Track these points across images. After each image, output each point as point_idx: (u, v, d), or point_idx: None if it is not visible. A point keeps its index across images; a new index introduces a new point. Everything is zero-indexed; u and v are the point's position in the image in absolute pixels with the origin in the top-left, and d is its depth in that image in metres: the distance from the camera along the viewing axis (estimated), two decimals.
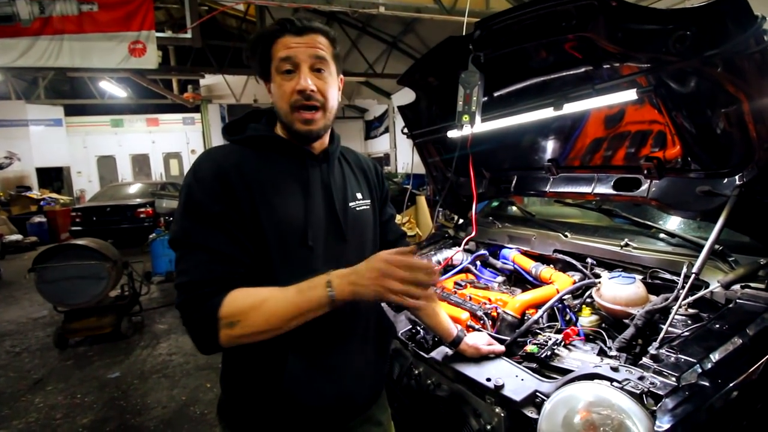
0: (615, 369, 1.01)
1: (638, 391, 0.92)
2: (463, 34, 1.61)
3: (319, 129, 0.93)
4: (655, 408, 0.89)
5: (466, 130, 1.65)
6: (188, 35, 5.98)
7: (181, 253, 0.85)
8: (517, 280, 1.95)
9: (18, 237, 8.82)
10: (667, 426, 0.84)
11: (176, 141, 14.48)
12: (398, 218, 5.17)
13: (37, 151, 12.44)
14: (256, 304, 0.81)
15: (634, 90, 1.25)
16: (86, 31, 5.59)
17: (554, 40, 1.35)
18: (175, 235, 0.86)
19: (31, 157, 12.32)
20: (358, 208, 1.03)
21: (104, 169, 14.32)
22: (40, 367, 3.53)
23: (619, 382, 0.96)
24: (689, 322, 1.24)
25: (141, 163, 14.59)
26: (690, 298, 1.26)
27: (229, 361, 0.98)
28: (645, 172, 1.49)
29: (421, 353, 1.39)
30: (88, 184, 13.90)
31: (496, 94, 1.82)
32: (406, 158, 12.57)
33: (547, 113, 1.57)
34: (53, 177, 13.22)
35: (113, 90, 12.31)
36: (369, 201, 1.07)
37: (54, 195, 11.50)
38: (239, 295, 0.82)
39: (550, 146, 1.94)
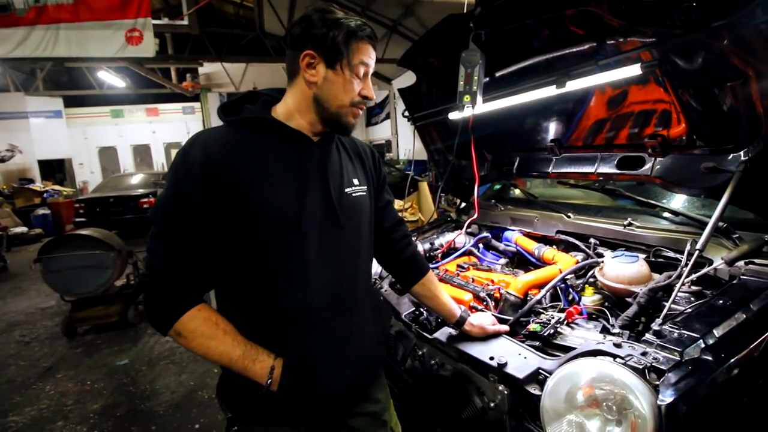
0: (618, 345, 1.02)
1: (641, 366, 0.92)
2: (469, 10, 1.57)
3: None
4: (657, 382, 0.89)
5: (468, 111, 1.63)
6: (185, 22, 5.93)
7: (158, 231, 0.88)
8: (520, 261, 1.96)
9: (23, 229, 8.87)
10: (669, 399, 0.85)
11: (177, 130, 14.39)
12: (400, 204, 5.17)
13: (38, 144, 12.41)
14: (206, 335, 0.89)
15: (638, 65, 1.23)
16: (82, 19, 5.54)
17: (557, 15, 1.32)
18: (157, 212, 0.88)
19: (32, 149, 12.31)
20: (354, 194, 1.02)
21: (106, 160, 14.32)
22: (50, 356, 3.59)
23: (621, 358, 0.96)
24: (692, 299, 1.25)
25: (142, 153, 14.56)
26: (693, 276, 1.26)
27: None
28: (649, 150, 1.47)
29: (425, 334, 1.40)
30: (90, 175, 13.91)
31: (498, 74, 1.79)
32: (407, 144, 12.47)
33: (549, 92, 1.55)
34: (55, 169, 13.23)
35: (112, 80, 12.21)
36: (365, 187, 1.06)
37: (57, 187, 11.52)
38: (200, 317, 0.89)
39: (552, 127, 1.92)
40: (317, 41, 0.90)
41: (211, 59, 10.02)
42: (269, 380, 0.90)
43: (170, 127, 14.50)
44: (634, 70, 1.24)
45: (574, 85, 1.42)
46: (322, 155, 0.99)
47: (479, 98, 1.56)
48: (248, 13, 10.13)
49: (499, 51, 1.63)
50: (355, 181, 1.04)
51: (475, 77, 1.50)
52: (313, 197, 0.94)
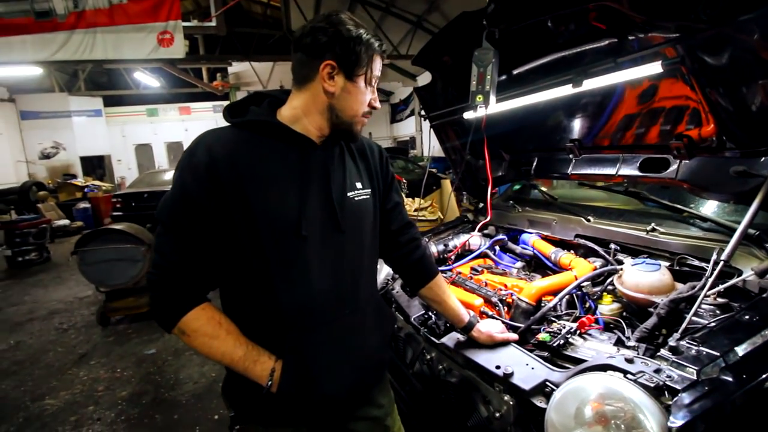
0: (630, 360, 0.96)
1: (653, 385, 0.87)
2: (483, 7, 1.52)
3: None
4: (670, 403, 0.84)
5: (481, 111, 1.59)
6: (213, 23, 6.08)
7: (164, 230, 0.90)
8: (537, 266, 1.90)
9: (65, 222, 9.41)
10: (681, 422, 0.79)
11: (207, 128, 14.52)
12: (420, 202, 5.13)
13: (80, 141, 13.13)
14: (209, 334, 0.90)
15: (660, 63, 1.15)
16: (117, 23, 5.79)
17: (574, 10, 1.26)
18: (163, 212, 0.90)
19: (74, 146, 13.03)
20: (356, 198, 1.01)
21: (142, 157, 14.98)
22: (85, 343, 3.80)
23: (632, 375, 0.91)
24: (718, 312, 1.16)
25: (175, 150, 15.14)
26: (719, 287, 1.17)
27: None
28: (674, 152, 1.38)
29: (433, 339, 1.38)
30: (128, 171, 14.60)
31: (515, 72, 1.74)
32: (432, 141, 12.33)
33: (568, 90, 1.48)
34: (95, 165, 13.97)
35: (147, 80, 12.75)
36: (369, 190, 1.06)
37: (97, 182, 12.16)
38: (204, 317, 0.90)
39: (575, 125, 1.84)
40: (341, 53, 0.91)
41: (240, 59, 10.24)
42: (269, 382, 0.91)
43: (202, 125, 14.98)
44: (656, 68, 1.17)
45: (591, 84, 1.35)
46: (325, 159, 0.98)
47: (492, 98, 1.51)
48: (275, 13, 10.29)
49: (515, 48, 1.58)
50: (358, 185, 1.03)
51: (488, 76, 1.46)
52: (313, 201, 0.94)
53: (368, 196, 1.04)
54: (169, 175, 9.73)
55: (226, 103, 13.91)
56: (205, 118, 15.00)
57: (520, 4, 1.32)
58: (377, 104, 1.01)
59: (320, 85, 0.93)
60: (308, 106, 0.95)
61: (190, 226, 0.88)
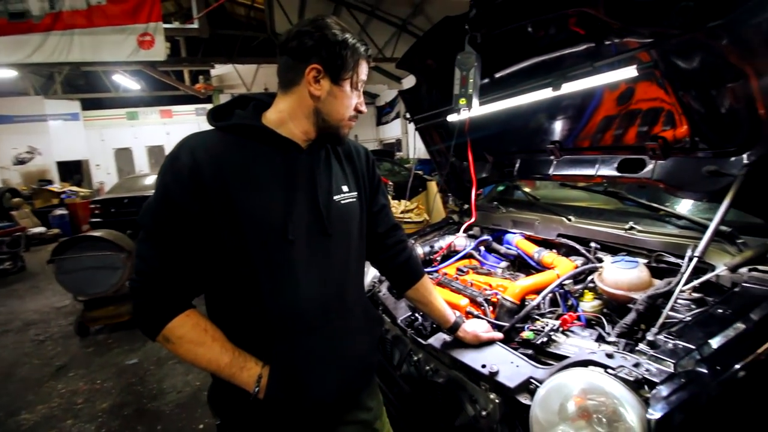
0: (610, 356, 0.99)
1: (632, 378, 0.89)
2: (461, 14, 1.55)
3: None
4: (648, 395, 0.87)
5: (464, 114, 1.61)
6: (195, 25, 6.01)
7: (146, 236, 0.89)
8: (521, 265, 1.93)
9: (41, 229, 9.12)
10: (660, 414, 0.82)
11: (190, 131, 14.08)
12: (406, 204, 5.16)
13: (56, 145, 12.75)
14: (194, 341, 0.89)
15: (635, 66, 1.19)
16: (96, 24, 5.67)
17: (553, 16, 1.29)
18: (145, 217, 0.89)
19: (50, 151, 12.65)
20: (343, 202, 1.01)
21: (122, 161, 14.63)
22: (63, 355, 3.68)
23: (613, 369, 0.94)
24: (693, 306, 1.20)
25: (156, 154, 14.83)
26: (694, 282, 1.22)
27: None
28: (650, 152, 1.43)
29: (419, 340, 1.39)
30: (107, 176, 14.24)
31: (497, 75, 1.77)
32: (418, 143, 12.41)
33: (548, 93, 1.52)
34: (73, 170, 13.57)
35: (127, 83, 12.49)
36: (356, 193, 1.06)
37: (74, 188, 11.81)
38: (189, 323, 0.90)
39: (556, 127, 1.89)
40: (327, 58, 0.91)
41: (223, 61, 10.13)
42: (256, 388, 0.90)
43: (184, 129, 14.71)
44: (631, 71, 1.21)
45: (569, 87, 1.39)
46: (311, 162, 0.98)
47: (475, 101, 1.54)
48: (259, 15, 10.19)
49: (497, 52, 1.61)
50: (345, 188, 1.03)
51: (471, 80, 1.48)
52: (300, 205, 0.94)
53: (355, 199, 1.05)
54: (150, 180, 9.52)
55: (209, 106, 13.67)
56: (188, 121, 14.75)
57: (501, 9, 1.35)
58: (363, 108, 1.01)
59: (306, 89, 0.93)
60: (294, 110, 0.95)
61: (173, 231, 0.87)
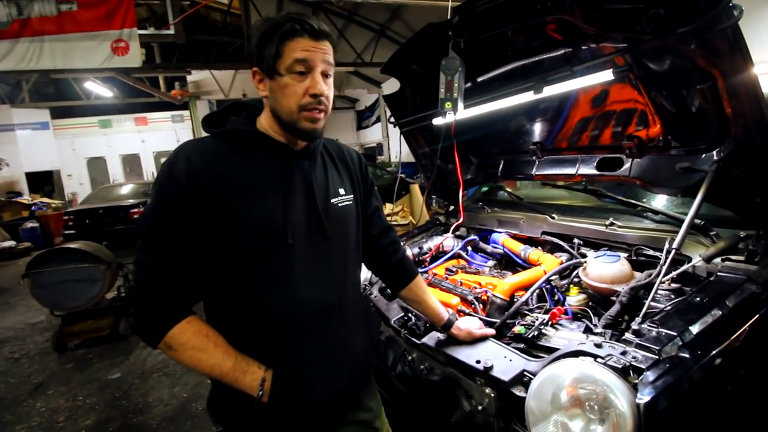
0: (598, 345, 1.04)
1: (620, 366, 0.94)
2: (448, 19, 1.60)
3: (321, 129, 0.96)
4: (636, 381, 0.91)
5: (450, 117, 1.65)
6: (171, 31, 5.92)
7: (144, 243, 0.88)
8: (508, 263, 1.98)
9: (11, 243, 8.76)
10: (648, 398, 0.87)
11: (166, 139, 14.32)
12: (391, 207, 5.19)
13: (25, 156, 12.29)
14: (197, 347, 0.89)
15: (611, 70, 1.26)
16: (67, 31, 5.51)
17: (532, 23, 1.35)
18: (143, 225, 0.89)
19: (19, 162, 12.18)
20: (340, 204, 1.03)
21: (95, 171, 14.19)
22: (40, 372, 3.55)
23: (602, 358, 0.98)
24: (672, 296, 1.27)
25: (132, 163, 14.47)
26: (672, 273, 1.29)
27: None
28: (626, 151, 1.50)
29: (414, 339, 1.41)
30: (79, 186, 13.79)
31: (479, 80, 1.82)
32: (399, 147, 12.53)
33: (530, 96, 1.57)
34: (43, 181, 13.09)
35: (99, 90, 12.13)
36: (352, 196, 1.07)
37: (45, 199, 11.40)
38: (191, 330, 0.90)
39: (536, 129, 1.95)
40: (254, 56, 0.91)
41: (199, 67, 9.98)
42: (260, 392, 0.90)
43: (160, 136, 14.41)
44: (607, 75, 1.27)
45: (550, 90, 1.45)
46: (307, 166, 0.99)
47: (460, 104, 1.58)
48: (235, 20, 10.09)
49: (479, 57, 1.66)
50: (341, 191, 1.05)
51: (456, 84, 1.52)
52: (298, 209, 0.95)
53: (351, 202, 1.06)
54: (126, 189, 9.29)
55: (185, 113, 13.53)
56: (164, 128, 14.43)
57: (483, 16, 1.39)
58: (317, 89, 0.90)
59: (260, 92, 0.95)
60: (267, 115, 0.97)
61: (171, 237, 0.87)
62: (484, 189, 2.60)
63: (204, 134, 0.99)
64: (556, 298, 1.55)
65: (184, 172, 0.86)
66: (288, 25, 0.88)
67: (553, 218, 1.84)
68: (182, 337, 0.88)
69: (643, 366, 0.93)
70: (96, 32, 5.51)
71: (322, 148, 1.07)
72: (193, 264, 0.89)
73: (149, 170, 14.43)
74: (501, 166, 2.12)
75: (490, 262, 2.00)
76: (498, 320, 1.40)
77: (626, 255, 1.49)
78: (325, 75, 0.93)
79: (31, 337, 4.38)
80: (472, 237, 2.12)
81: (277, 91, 0.91)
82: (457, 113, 1.61)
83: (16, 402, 3.08)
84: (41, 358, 3.81)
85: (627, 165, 1.53)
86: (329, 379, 0.98)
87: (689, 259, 1.33)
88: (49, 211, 10.04)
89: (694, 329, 1.02)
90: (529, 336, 1.25)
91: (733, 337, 1.01)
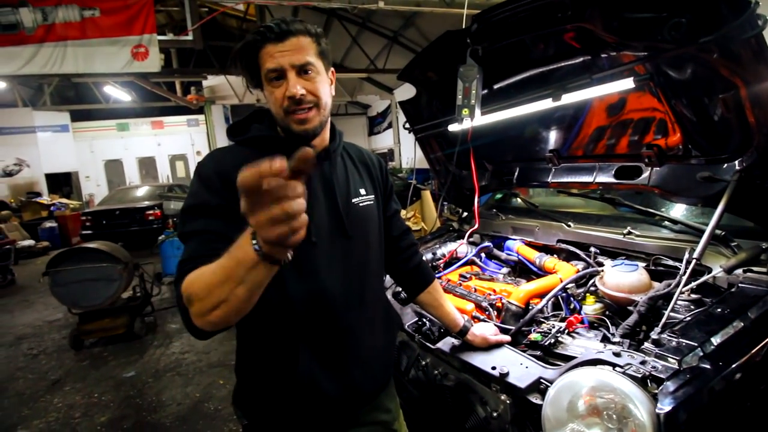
0: (617, 354, 1.03)
1: (640, 375, 0.93)
2: (463, 26, 1.62)
3: (315, 127, 0.95)
4: (656, 391, 0.90)
5: (467, 124, 1.67)
6: (189, 37, 6.03)
7: (187, 240, 0.88)
8: (522, 271, 1.97)
9: (30, 242, 8.97)
10: (668, 408, 0.86)
11: (181, 143, 14.57)
12: (403, 213, 5.20)
13: (45, 157, 12.59)
14: (198, 275, 0.77)
15: (632, 78, 1.26)
16: (89, 36, 5.65)
17: (551, 31, 1.36)
18: (179, 229, 0.91)
19: (39, 163, 12.48)
20: (361, 204, 1.05)
21: (112, 173, 14.47)
22: (58, 368, 3.62)
23: (621, 367, 0.98)
24: (692, 307, 1.26)
25: (147, 165, 14.72)
26: (692, 284, 1.27)
27: (243, 351, 1.02)
28: (645, 160, 1.50)
29: (428, 344, 1.41)
30: (97, 188, 14.06)
31: (495, 87, 1.83)
32: (410, 153, 12.57)
33: (546, 104, 1.58)
34: (62, 182, 13.39)
35: (118, 94, 12.43)
36: (373, 196, 1.09)
37: (64, 200, 11.66)
38: (193, 272, 0.79)
39: (552, 137, 1.95)
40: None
41: (215, 72, 10.16)
42: (254, 243, 0.70)
43: (175, 140, 14.65)
44: (628, 83, 1.27)
45: (569, 98, 1.45)
46: (327, 167, 1.02)
47: (477, 111, 1.59)
48: (251, 27, 10.29)
49: (496, 64, 1.67)
50: (362, 191, 1.07)
51: (473, 91, 1.54)
52: (320, 209, 0.97)
53: (372, 202, 1.08)
54: (141, 192, 9.47)
55: (200, 117, 13.73)
56: (179, 132, 14.68)
57: (502, 24, 1.40)
58: (290, 91, 0.90)
59: None
60: None
61: (200, 225, 0.87)
62: (498, 196, 2.60)
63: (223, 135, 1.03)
64: (571, 306, 1.54)
65: (213, 169, 0.90)
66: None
67: (569, 226, 1.83)
68: (186, 283, 0.79)
69: (663, 376, 0.92)
70: (117, 38, 5.65)
71: (343, 150, 1.10)
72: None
73: (164, 173, 14.68)
74: (516, 173, 2.12)
75: (504, 270, 1.99)
76: (513, 327, 1.40)
77: (644, 264, 1.48)
78: (303, 71, 0.91)
79: (48, 334, 4.47)
80: (486, 244, 2.12)
81: (266, 98, 0.95)
82: (474, 120, 1.62)
83: (34, 397, 3.15)
84: (58, 355, 3.89)
85: (646, 174, 1.52)
86: (347, 372, 0.99)
87: (709, 270, 1.31)
88: (67, 212, 10.27)
89: (715, 340, 1.01)
90: (546, 343, 1.24)
91: (754, 350, 0.99)
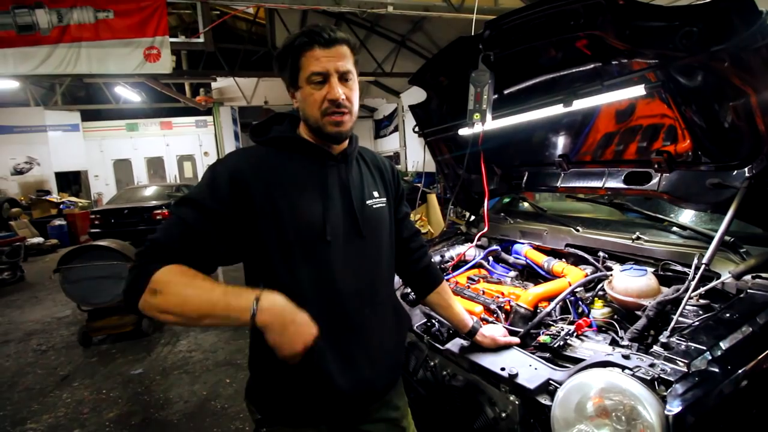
0: (626, 357, 1.04)
1: (649, 378, 0.94)
2: (472, 30, 1.64)
3: (347, 130, 1.01)
4: (665, 393, 0.91)
5: (477, 128, 1.69)
6: (201, 39, 6.11)
7: (179, 218, 0.90)
8: (530, 274, 1.98)
9: (39, 240, 9.08)
10: (677, 410, 0.87)
11: (189, 143, 14.72)
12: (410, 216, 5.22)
13: (55, 156, 12.74)
14: (182, 283, 0.81)
15: (643, 86, 1.28)
16: (103, 38, 5.74)
17: (563, 38, 1.38)
18: (173, 205, 0.94)
19: (49, 161, 12.64)
20: (375, 206, 1.09)
21: (120, 173, 14.62)
22: (66, 364, 3.67)
23: (630, 369, 0.99)
24: (700, 312, 1.26)
25: (156, 165, 14.86)
26: (701, 289, 1.28)
27: (257, 346, 1.04)
28: (655, 166, 1.51)
29: (437, 345, 1.43)
30: (105, 187, 14.22)
31: (506, 92, 1.85)
32: (415, 156, 12.60)
33: (556, 110, 1.60)
34: (71, 181, 13.55)
35: (128, 95, 12.59)
36: (385, 199, 1.13)
37: (73, 198, 11.80)
38: (179, 270, 0.83)
39: (561, 142, 1.97)
40: (283, 70, 0.99)
41: (224, 74, 10.28)
42: (254, 309, 0.80)
43: (183, 140, 14.80)
44: (639, 90, 1.29)
45: (580, 104, 1.47)
46: (344, 169, 1.05)
47: (489, 116, 1.61)
48: (260, 30, 10.40)
49: (507, 70, 1.69)
50: (376, 194, 1.11)
51: (485, 96, 1.56)
52: (336, 209, 1.01)
53: (384, 205, 1.12)
54: (149, 191, 9.57)
55: (209, 118, 13.87)
56: (187, 133, 14.82)
57: (514, 30, 1.43)
58: (333, 95, 0.94)
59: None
60: (303, 123, 1.04)
61: (188, 215, 0.89)
62: (506, 200, 2.61)
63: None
64: (580, 310, 1.55)
65: (227, 171, 0.93)
66: (300, 40, 0.94)
67: (577, 231, 1.84)
68: (166, 276, 0.82)
69: (671, 378, 0.93)
70: (130, 39, 5.73)
71: (358, 154, 1.13)
72: (210, 253, 0.90)
73: (172, 173, 14.81)
74: (525, 178, 2.14)
75: (512, 273, 2.00)
76: (522, 329, 1.41)
77: (653, 270, 1.49)
78: (344, 78, 0.97)
79: (57, 330, 4.53)
80: (495, 247, 2.13)
81: (302, 101, 0.98)
82: (485, 124, 1.64)
83: (44, 392, 3.19)
84: (67, 351, 3.94)
85: (656, 179, 1.53)
86: (357, 368, 1.01)
87: (718, 276, 1.32)
88: (76, 210, 10.39)
89: (724, 344, 1.02)
90: (555, 346, 1.26)
91: (762, 356, 1.00)
